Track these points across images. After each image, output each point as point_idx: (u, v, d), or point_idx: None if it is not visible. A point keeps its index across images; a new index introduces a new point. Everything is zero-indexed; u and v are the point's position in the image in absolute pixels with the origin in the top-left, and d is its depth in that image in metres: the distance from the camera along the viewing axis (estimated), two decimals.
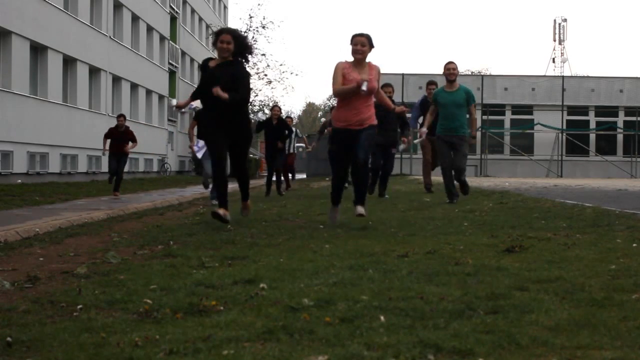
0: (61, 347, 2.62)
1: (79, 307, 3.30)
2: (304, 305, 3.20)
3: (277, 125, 14.78)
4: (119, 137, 14.91)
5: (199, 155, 12.16)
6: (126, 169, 30.21)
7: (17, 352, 2.60)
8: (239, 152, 7.66)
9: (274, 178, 15.32)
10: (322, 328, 2.81)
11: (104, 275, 4.26)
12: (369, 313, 3.08)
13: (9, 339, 2.70)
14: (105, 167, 14.18)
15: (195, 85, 44.29)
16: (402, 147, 13.14)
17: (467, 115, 10.68)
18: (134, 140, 15.10)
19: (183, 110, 7.40)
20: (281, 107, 15.82)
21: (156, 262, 4.77)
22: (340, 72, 7.28)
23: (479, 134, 36.54)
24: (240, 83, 7.30)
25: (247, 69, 7.57)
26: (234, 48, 7.34)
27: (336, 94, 7.43)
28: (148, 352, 2.51)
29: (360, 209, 7.34)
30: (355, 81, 7.13)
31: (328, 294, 3.45)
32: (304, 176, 36.91)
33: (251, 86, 36.26)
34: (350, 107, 7.30)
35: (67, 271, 4.48)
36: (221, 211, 7.21)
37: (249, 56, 7.56)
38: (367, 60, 7.38)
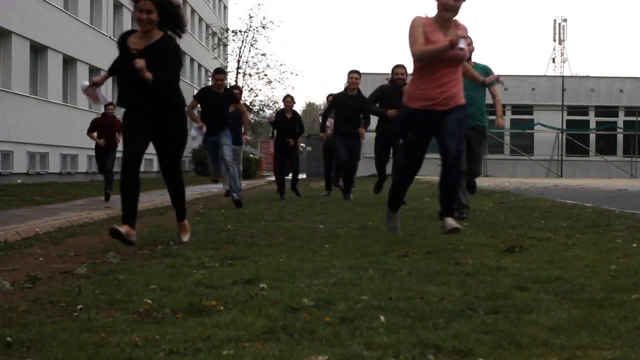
0: (61, 347, 2.62)
1: (79, 307, 3.30)
2: (304, 305, 3.20)
3: (291, 120, 12.94)
4: (107, 128, 13.01)
5: (195, 143, 11.38)
6: None
7: (17, 352, 2.60)
8: (170, 152, 5.90)
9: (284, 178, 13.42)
10: (322, 328, 2.81)
11: (104, 275, 4.26)
12: (369, 313, 3.08)
13: (9, 339, 2.70)
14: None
15: (197, 86, 43.74)
16: None
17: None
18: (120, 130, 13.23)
19: (98, 96, 5.84)
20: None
21: (156, 262, 4.77)
22: (421, 29, 5.54)
23: None
24: (167, 59, 5.65)
25: (179, 46, 5.88)
26: (158, 18, 5.65)
27: (419, 57, 5.56)
28: (148, 352, 2.51)
29: (451, 222, 5.53)
30: (448, 40, 5.43)
31: (328, 294, 3.46)
32: (304, 176, 36.91)
33: (252, 86, 33.81)
34: (431, 79, 5.56)
35: (67, 271, 4.48)
36: (123, 228, 5.47)
37: (180, 31, 5.83)
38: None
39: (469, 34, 5.79)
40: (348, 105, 11.62)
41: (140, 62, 5.40)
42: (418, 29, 5.55)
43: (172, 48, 5.73)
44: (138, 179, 5.66)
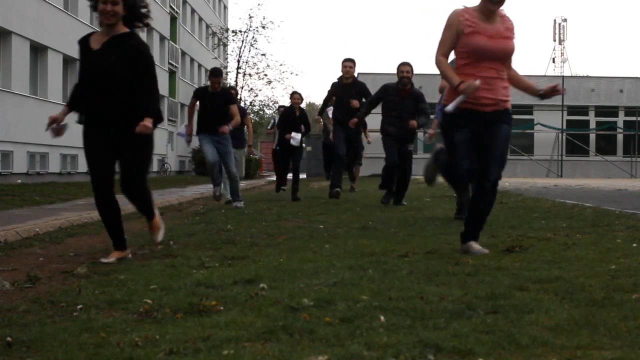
0: (61, 347, 2.62)
1: (79, 307, 3.31)
2: (304, 305, 3.20)
3: (298, 117, 12.35)
4: None
5: (179, 141, 10.94)
6: None
7: (17, 352, 2.60)
8: (134, 167, 5.11)
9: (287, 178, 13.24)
10: (322, 328, 2.81)
11: (104, 275, 4.26)
12: (369, 313, 3.08)
13: (9, 339, 2.70)
14: None
15: (196, 86, 43.76)
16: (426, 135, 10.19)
17: None
18: None
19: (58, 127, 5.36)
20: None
21: (156, 262, 4.78)
22: (455, 29, 4.95)
23: None
24: (145, 73, 5.00)
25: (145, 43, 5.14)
26: (124, 10, 4.98)
27: (437, 66, 5.06)
28: (148, 352, 2.52)
29: (475, 247, 5.06)
30: (458, 82, 4.85)
31: (328, 294, 3.46)
32: (304, 176, 36.91)
33: (252, 86, 32.92)
34: (475, 77, 4.88)
35: (67, 271, 4.48)
36: (114, 256, 4.98)
37: (141, 24, 5.15)
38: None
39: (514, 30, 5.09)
40: (345, 94, 11.27)
41: (141, 127, 4.86)
42: (450, 30, 4.98)
43: (144, 48, 5.06)
44: (115, 200, 5.06)
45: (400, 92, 10.15)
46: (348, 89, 11.32)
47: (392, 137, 10.17)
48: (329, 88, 12.01)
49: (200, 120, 10.35)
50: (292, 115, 12.47)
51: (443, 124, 5.14)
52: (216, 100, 10.21)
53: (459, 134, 5.00)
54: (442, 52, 5.03)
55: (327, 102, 12.22)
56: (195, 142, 10.74)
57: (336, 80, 11.71)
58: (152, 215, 5.48)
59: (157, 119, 5.03)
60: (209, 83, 10.47)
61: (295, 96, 12.68)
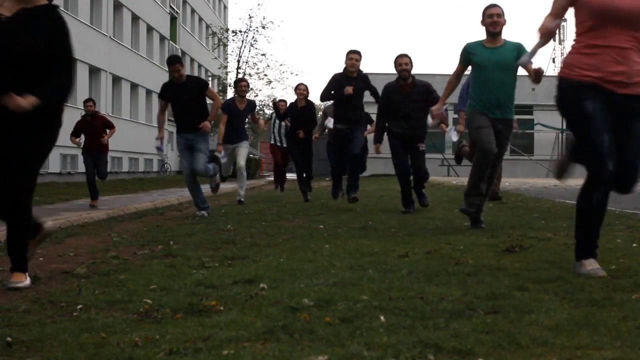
0: (61, 347, 2.62)
1: (79, 307, 3.31)
2: (304, 305, 3.20)
3: (302, 109, 11.73)
4: (89, 128, 11.59)
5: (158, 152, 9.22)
6: (126, 168, 30.25)
7: (17, 352, 2.60)
8: (20, 162, 3.91)
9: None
10: (322, 328, 2.81)
11: (104, 275, 4.26)
12: (369, 313, 3.08)
13: (9, 339, 2.70)
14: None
15: None
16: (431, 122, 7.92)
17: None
18: (110, 126, 11.85)
19: None
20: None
21: (156, 262, 4.78)
22: None
23: None
24: (63, 53, 4.06)
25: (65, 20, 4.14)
26: None
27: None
28: (148, 352, 2.51)
29: (597, 269, 3.98)
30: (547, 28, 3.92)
31: (328, 294, 3.46)
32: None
33: (252, 86, 32.94)
34: (602, 46, 3.88)
35: (67, 271, 4.48)
36: (17, 278, 3.95)
37: None
38: None
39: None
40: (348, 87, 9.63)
41: (11, 101, 3.78)
42: None
43: (64, 26, 4.09)
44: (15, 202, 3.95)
45: (402, 88, 8.94)
46: (351, 83, 9.67)
47: (399, 140, 8.96)
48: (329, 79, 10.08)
49: (175, 119, 9.02)
50: (295, 109, 11.96)
51: (562, 98, 4.03)
52: (184, 91, 8.73)
53: (589, 102, 3.85)
54: (550, 12, 4.04)
55: (329, 92, 9.91)
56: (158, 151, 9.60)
57: (338, 72, 9.94)
58: (22, 265, 4.03)
59: (52, 107, 4.04)
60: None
61: (301, 87, 11.97)
